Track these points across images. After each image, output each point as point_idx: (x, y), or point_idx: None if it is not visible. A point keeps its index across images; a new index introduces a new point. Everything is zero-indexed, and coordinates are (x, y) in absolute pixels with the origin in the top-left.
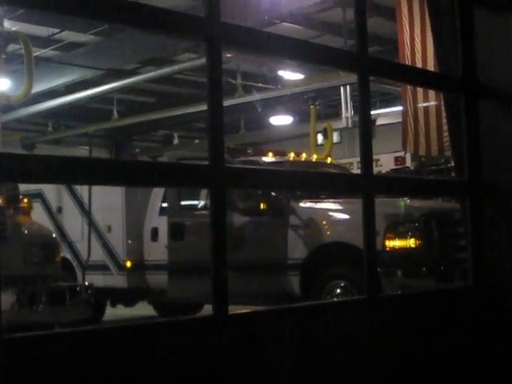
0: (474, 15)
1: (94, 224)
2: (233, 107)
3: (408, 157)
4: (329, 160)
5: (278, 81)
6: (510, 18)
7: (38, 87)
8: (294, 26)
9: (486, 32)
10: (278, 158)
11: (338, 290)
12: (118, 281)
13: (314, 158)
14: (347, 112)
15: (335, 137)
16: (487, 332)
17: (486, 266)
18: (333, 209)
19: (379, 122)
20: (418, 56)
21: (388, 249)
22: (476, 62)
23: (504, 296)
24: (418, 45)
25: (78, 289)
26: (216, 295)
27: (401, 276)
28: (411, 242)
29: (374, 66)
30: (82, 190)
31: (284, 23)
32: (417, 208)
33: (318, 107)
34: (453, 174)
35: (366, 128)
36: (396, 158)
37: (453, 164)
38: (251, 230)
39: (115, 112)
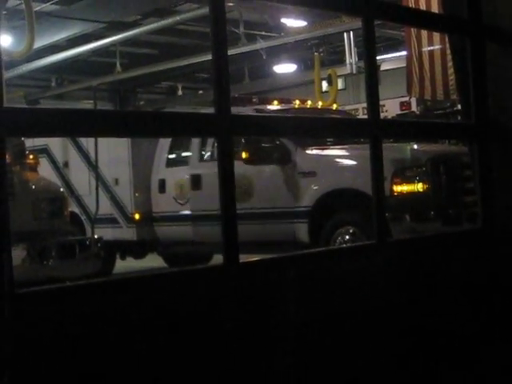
0: None
1: (101, 177)
2: (236, 57)
3: (413, 102)
4: (334, 106)
5: (281, 29)
6: None
7: (40, 42)
8: None
9: None
10: (284, 106)
11: (347, 237)
12: (127, 233)
13: (320, 104)
14: (351, 58)
15: (340, 83)
16: (496, 273)
17: (495, 209)
18: (340, 155)
19: (384, 67)
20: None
21: (396, 194)
22: (481, 3)
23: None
24: None
25: (87, 242)
26: (227, 244)
27: (409, 220)
28: (419, 187)
29: (378, 10)
30: (88, 144)
31: None
32: (424, 152)
33: (321, 54)
34: (459, 118)
35: (371, 72)
36: (401, 103)
37: (459, 107)
38: (258, 179)
39: (118, 65)
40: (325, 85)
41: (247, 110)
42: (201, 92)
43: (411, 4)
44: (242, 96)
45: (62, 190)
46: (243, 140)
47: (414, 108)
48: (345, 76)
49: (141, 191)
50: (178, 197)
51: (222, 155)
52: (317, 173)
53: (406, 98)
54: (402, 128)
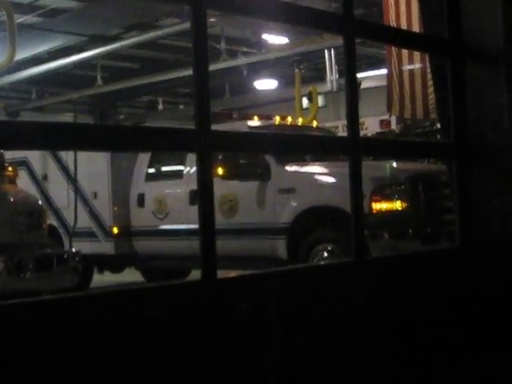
0: None
1: (80, 191)
2: (217, 72)
3: (393, 120)
4: (314, 124)
5: (262, 45)
6: None
7: (21, 54)
8: None
9: None
10: (264, 122)
11: (325, 254)
12: (105, 247)
13: (300, 121)
14: (332, 75)
15: (320, 100)
16: (474, 292)
17: (473, 227)
18: (319, 172)
19: (364, 85)
20: (403, 18)
21: (374, 211)
22: (462, 24)
23: (494, 255)
24: (402, 7)
25: (65, 256)
26: (204, 260)
27: (387, 238)
28: (397, 205)
29: (359, 28)
30: (68, 156)
31: None
32: (403, 170)
33: (302, 71)
34: (438, 137)
35: (352, 90)
36: (381, 121)
37: (438, 126)
38: (237, 195)
39: (99, 78)
40: (305, 102)
41: (239, 126)
42: (181, 107)
43: (392, 22)
44: (222, 112)
45: (40, 202)
46: (220, 155)
47: (393, 126)
48: (325, 93)
49: (119, 205)
50: (157, 211)
51: (202, 171)
52: (296, 189)
53: (386, 116)
54: (382, 146)
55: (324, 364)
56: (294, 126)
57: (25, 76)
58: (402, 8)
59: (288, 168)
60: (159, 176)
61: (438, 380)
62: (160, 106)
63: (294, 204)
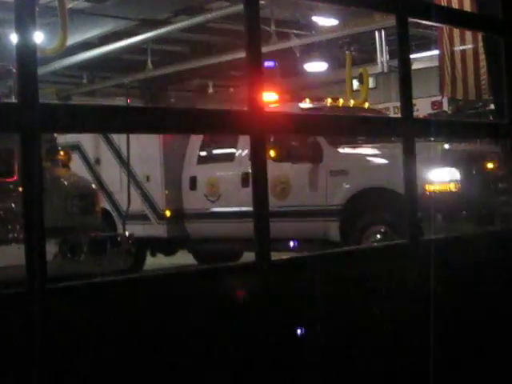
0: None
1: (133, 174)
2: (267, 54)
3: (445, 101)
4: (366, 105)
5: (312, 27)
6: None
7: (72, 39)
8: None
9: None
10: (316, 104)
11: (378, 236)
12: (157, 230)
13: (352, 103)
14: (382, 57)
15: (371, 82)
16: None
17: None
18: (372, 154)
19: (415, 66)
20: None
21: (429, 193)
22: None
23: None
24: None
25: (118, 238)
26: (259, 242)
27: (441, 220)
28: (452, 187)
29: (412, 7)
30: (120, 140)
31: None
32: (456, 152)
33: (353, 53)
34: (491, 118)
35: (405, 70)
36: (433, 103)
37: (491, 107)
38: (290, 177)
39: (149, 62)
40: (356, 83)
41: (291, 108)
42: (232, 90)
43: (444, 3)
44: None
45: (93, 186)
46: (272, 138)
47: (445, 107)
48: (376, 75)
49: (172, 188)
50: (209, 194)
51: (255, 153)
52: (348, 171)
53: (438, 98)
54: (435, 127)
55: (371, 353)
56: (345, 108)
57: (76, 61)
58: None
59: (340, 150)
60: (211, 159)
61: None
62: (210, 90)
63: (347, 186)
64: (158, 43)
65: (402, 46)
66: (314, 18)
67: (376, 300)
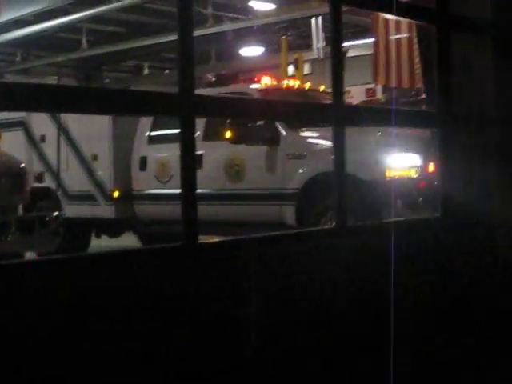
0: None
1: (80, 153)
2: (203, 37)
3: (379, 89)
4: (322, 88)
5: (248, 11)
6: None
7: (6, 16)
8: None
9: None
10: (270, 86)
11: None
12: (105, 211)
13: (308, 86)
14: (318, 43)
15: (306, 68)
16: (451, 257)
17: (455, 197)
18: (330, 137)
19: (350, 53)
20: None
21: (390, 179)
22: None
23: (471, 225)
24: None
25: (47, 219)
26: (186, 225)
27: (401, 206)
28: (412, 173)
29: None
30: (67, 117)
31: None
32: (418, 138)
33: (289, 38)
34: (423, 107)
35: (337, 58)
36: (367, 90)
37: (424, 96)
38: (247, 159)
39: (84, 42)
40: (291, 69)
41: (243, 89)
42: (167, 72)
43: None
44: (228, 73)
45: (22, 165)
46: (228, 119)
47: (379, 95)
48: (311, 61)
49: (120, 168)
50: (160, 175)
51: (184, 135)
52: (306, 155)
53: (372, 85)
54: (367, 114)
55: (299, 332)
56: (301, 91)
57: (9, 38)
58: None
59: (299, 133)
60: (163, 139)
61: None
62: (145, 71)
63: (304, 170)
64: (94, 23)
65: (335, 34)
66: (251, 3)
67: (301, 284)
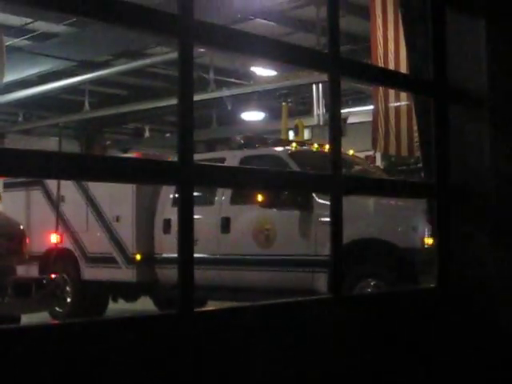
0: (446, 18)
1: (101, 214)
2: (205, 102)
3: (378, 156)
4: (351, 152)
5: (250, 77)
6: (482, 22)
7: (10, 77)
8: (268, 22)
9: (458, 35)
10: (301, 149)
11: (369, 290)
12: (126, 274)
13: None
14: (319, 110)
15: (306, 134)
16: (449, 336)
17: (451, 269)
18: (363, 204)
19: (351, 120)
20: (391, 56)
21: (427, 246)
22: (447, 66)
23: (469, 299)
24: (391, 45)
25: (44, 281)
26: (182, 291)
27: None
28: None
29: (345, 67)
30: None
31: (258, 19)
32: None
33: (290, 104)
34: (422, 175)
35: (335, 130)
36: (366, 157)
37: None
38: (277, 224)
39: (87, 104)
40: (291, 134)
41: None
42: (168, 135)
43: (380, 59)
44: (256, 136)
45: (21, 227)
46: None
47: (378, 162)
48: (312, 127)
49: (143, 230)
50: None
51: (183, 204)
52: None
53: (371, 152)
54: (365, 184)
55: None
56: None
57: (13, 98)
58: (390, 46)
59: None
60: None
61: None
62: (146, 134)
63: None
64: (97, 85)
65: (334, 105)
66: (253, 68)
67: (298, 353)
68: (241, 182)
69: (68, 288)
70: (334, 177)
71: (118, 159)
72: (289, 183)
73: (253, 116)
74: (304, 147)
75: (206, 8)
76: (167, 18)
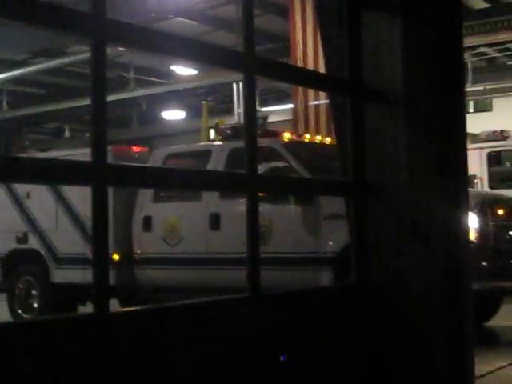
0: (362, 19)
1: (73, 212)
2: (125, 101)
3: None
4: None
5: (171, 76)
6: (397, 22)
7: None
8: (187, 21)
9: (373, 35)
10: (294, 140)
11: None
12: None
13: (328, 140)
14: (239, 108)
15: None
16: (367, 330)
17: (369, 266)
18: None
19: (271, 118)
20: (311, 56)
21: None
22: (363, 65)
23: (387, 296)
24: (310, 45)
25: None
26: (97, 291)
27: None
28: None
29: (260, 67)
30: None
31: (178, 18)
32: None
33: (210, 102)
34: None
35: (251, 129)
36: None
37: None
38: (275, 220)
39: (5, 103)
40: (212, 133)
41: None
42: (88, 135)
43: (299, 58)
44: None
45: None
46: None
47: None
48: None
49: (121, 229)
50: (168, 237)
51: (96, 205)
52: (345, 216)
53: None
54: (280, 183)
55: None
56: (323, 144)
57: None
58: (310, 46)
59: None
60: (171, 196)
61: None
62: (66, 133)
63: (343, 232)
64: (15, 84)
65: (249, 104)
66: (173, 67)
67: (214, 352)
68: (158, 182)
69: (34, 292)
70: (249, 175)
71: (30, 159)
72: (208, 183)
73: (173, 115)
74: (296, 138)
75: (121, 7)
76: (79, 17)
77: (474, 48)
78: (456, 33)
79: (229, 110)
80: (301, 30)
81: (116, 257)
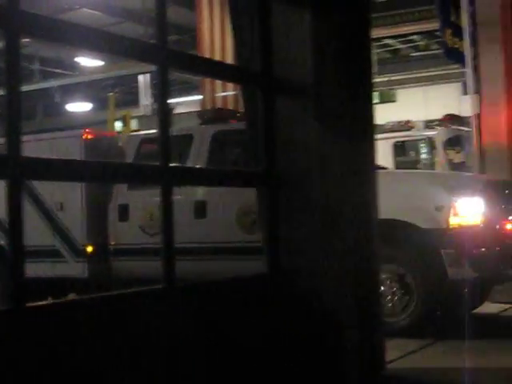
0: (273, 11)
1: (41, 201)
2: (30, 93)
3: None
4: None
5: (76, 67)
6: (308, 15)
7: None
8: (94, 12)
9: (284, 28)
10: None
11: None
12: (74, 269)
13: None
14: (146, 100)
15: (134, 124)
16: (281, 318)
17: (281, 255)
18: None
19: (178, 110)
20: (217, 47)
21: (453, 227)
22: (274, 58)
23: (298, 284)
24: (217, 36)
25: None
26: (15, 286)
27: (467, 259)
28: (479, 219)
29: (173, 59)
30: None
31: (84, 9)
32: (479, 179)
33: (117, 94)
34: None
35: (165, 121)
36: None
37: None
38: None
39: None
40: (119, 125)
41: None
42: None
43: (206, 49)
44: (226, 109)
45: None
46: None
47: None
48: (139, 117)
49: (94, 218)
50: (147, 226)
51: (11, 199)
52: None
53: None
54: (192, 174)
55: None
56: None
57: None
58: (217, 37)
59: None
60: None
61: None
62: None
63: None
64: None
65: (163, 96)
66: (78, 59)
67: (131, 343)
68: (75, 175)
69: None
70: (161, 168)
71: None
72: (124, 176)
73: (79, 107)
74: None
75: None
76: None
77: (378, 40)
78: (364, 26)
79: (136, 102)
80: (208, 21)
81: (89, 249)
